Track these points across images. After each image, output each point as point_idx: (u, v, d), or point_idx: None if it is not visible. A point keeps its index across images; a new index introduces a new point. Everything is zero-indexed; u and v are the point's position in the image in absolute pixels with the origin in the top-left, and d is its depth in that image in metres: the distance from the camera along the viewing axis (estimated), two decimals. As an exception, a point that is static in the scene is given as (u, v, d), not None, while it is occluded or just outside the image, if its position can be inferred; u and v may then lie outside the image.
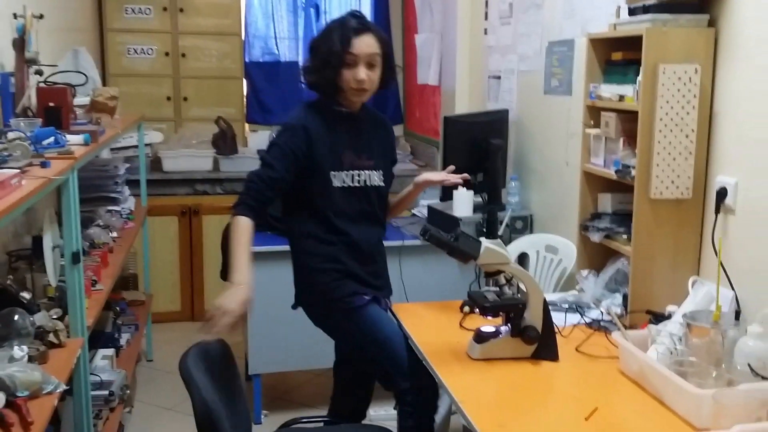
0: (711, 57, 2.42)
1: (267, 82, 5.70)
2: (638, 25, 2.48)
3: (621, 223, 2.63)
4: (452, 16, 4.59)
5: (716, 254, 2.28)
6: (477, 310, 2.40)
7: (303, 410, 3.79)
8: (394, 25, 5.91)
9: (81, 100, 3.34)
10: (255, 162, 4.94)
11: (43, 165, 2.04)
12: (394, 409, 2.64)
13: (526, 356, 2.25)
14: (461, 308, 2.65)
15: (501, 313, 2.30)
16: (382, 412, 3.43)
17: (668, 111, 2.38)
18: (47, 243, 2.31)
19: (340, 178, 2.51)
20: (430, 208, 3.88)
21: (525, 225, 3.73)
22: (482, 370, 2.19)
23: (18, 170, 1.83)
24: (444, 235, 2.22)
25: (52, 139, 2.32)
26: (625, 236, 2.58)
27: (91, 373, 3.02)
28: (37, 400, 1.91)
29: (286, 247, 3.62)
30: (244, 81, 5.63)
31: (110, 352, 3.35)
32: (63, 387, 2.00)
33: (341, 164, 2.51)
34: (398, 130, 6.05)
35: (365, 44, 2.42)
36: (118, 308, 3.85)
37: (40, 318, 2.21)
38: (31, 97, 2.68)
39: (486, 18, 4.33)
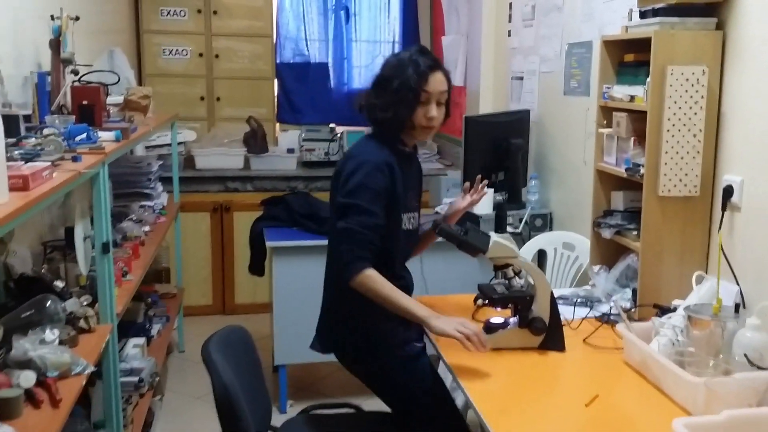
0: (719, 59, 2.47)
1: (297, 83, 5.84)
2: (648, 27, 2.54)
3: (631, 220, 2.70)
4: (477, 18, 4.67)
5: (720, 249, 2.34)
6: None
7: (327, 401, 3.89)
8: (422, 27, 6.01)
9: (115, 99, 3.48)
10: (284, 160, 5.18)
11: (75, 159, 2.16)
12: None
13: (534, 347, 2.33)
14: (475, 301, 2.73)
15: (510, 305, 2.38)
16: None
17: (676, 111, 2.44)
18: (78, 234, 2.44)
19: (406, 220, 2.42)
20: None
21: (544, 223, 3.80)
22: (490, 360, 2.27)
23: (49, 163, 1.96)
24: (454, 229, 2.31)
25: (84, 135, 2.45)
26: (635, 233, 2.64)
27: (122, 361, 3.17)
28: (67, 380, 2.03)
29: (311, 242, 3.74)
30: (275, 81, 5.77)
31: (141, 341, 3.49)
32: (91, 368, 2.12)
33: (407, 206, 2.43)
34: (426, 130, 6.15)
35: (438, 82, 2.34)
36: (150, 300, 3.99)
37: (71, 304, 2.34)
38: (66, 95, 2.82)
39: (510, 20, 4.41)
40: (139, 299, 3.86)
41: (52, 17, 2.91)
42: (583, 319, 2.56)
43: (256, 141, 5.23)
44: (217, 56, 5.54)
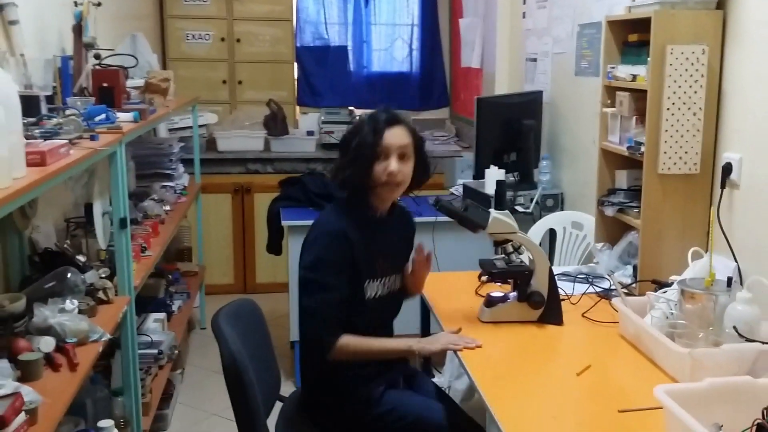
0: (719, 38, 2.51)
1: (317, 66, 5.92)
2: (649, 7, 2.58)
3: (634, 198, 2.75)
4: (494, 0, 4.71)
5: (720, 226, 2.39)
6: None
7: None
8: (441, 9, 6.06)
9: (136, 82, 3.60)
10: (304, 142, 5.27)
11: (92, 138, 2.27)
12: None
13: (533, 320, 2.41)
14: (479, 277, 2.80)
15: (509, 280, 2.46)
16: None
17: (676, 90, 2.49)
18: (97, 210, 2.56)
19: (373, 289, 2.35)
20: (464, 186, 4.03)
21: (555, 203, 3.85)
22: (490, 332, 2.36)
23: (67, 141, 2.07)
24: (454, 205, 2.39)
25: (103, 115, 2.56)
26: (636, 210, 2.70)
27: (143, 334, 3.30)
28: (84, 347, 2.15)
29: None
30: (295, 65, 5.85)
31: (162, 316, 3.62)
32: (107, 336, 2.24)
33: (374, 273, 2.35)
34: (444, 112, 6.21)
35: (396, 136, 2.29)
36: (171, 277, 4.12)
37: (91, 276, 2.46)
38: (87, 78, 2.93)
39: (524, 2, 4.44)
40: (160, 276, 3.99)
41: (75, 3, 3.02)
42: (583, 294, 2.63)
43: (276, 123, 5.32)
44: (238, 40, 5.64)
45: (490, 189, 3.78)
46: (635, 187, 2.80)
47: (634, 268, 2.69)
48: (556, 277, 2.44)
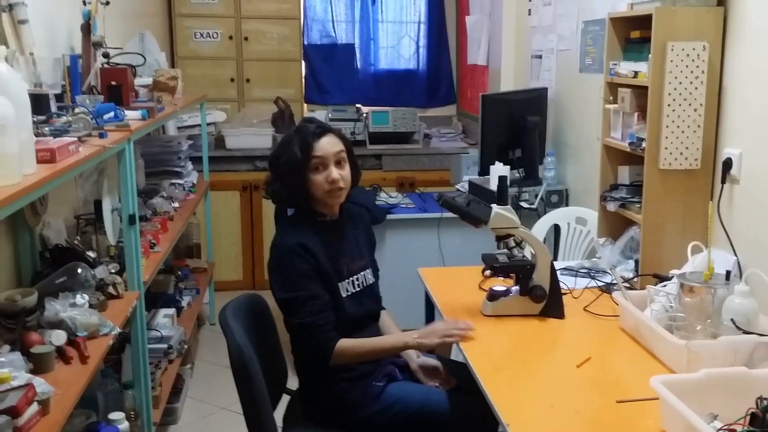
0: (720, 35, 2.53)
1: (324, 64, 5.97)
2: (650, 4, 2.61)
3: (636, 194, 2.77)
4: (500, -3, 4.75)
5: (720, 221, 2.42)
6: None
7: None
8: (448, 6, 6.09)
9: (145, 80, 3.65)
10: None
11: (101, 136, 2.32)
12: None
13: (534, 314, 2.44)
14: (483, 272, 2.83)
15: (511, 274, 2.49)
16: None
17: (677, 86, 2.51)
18: (106, 206, 2.61)
19: (345, 287, 2.38)
20: (470, 183, 4.07)
21: (560, 199, 3.87)
22: (492, 325, 2.39)
23: (76, 139, 2.11)
24: (456, 200, 2.42)
25: (111, 113, 2.61)
26: (638, 205, 2.72)
27: (153, 329, 3.35)
28: (95, 340, 2.20)
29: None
30: (303, 63, 5.89)
31: (171, 311, 3.67)
32: (117, 330, 2.28)
33: (341, 274, 2.37)
34: (451, 109, 6.24)
35: (328, 144, 2.33)
36: (180, 273, 4.17)
37: (101, 272, 2.51)
38: (95, 77, 2.98)
39: (530, -1, 4.47)
40: (170, 272, 4.04)
41: (84, 2, 3.07)
42: (585, 288, 2.66)
43: (284, 121, 5.37)
44: (246, 38, 5.68)
45: (494, 185, 3.80)
46: (637, 182, 2.82)
47: (636, 262, 2.72)
48: (558, 272, 2.48)
